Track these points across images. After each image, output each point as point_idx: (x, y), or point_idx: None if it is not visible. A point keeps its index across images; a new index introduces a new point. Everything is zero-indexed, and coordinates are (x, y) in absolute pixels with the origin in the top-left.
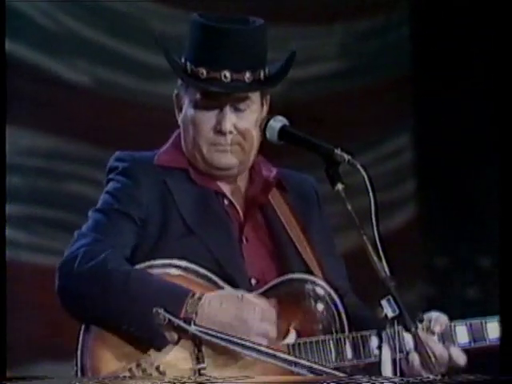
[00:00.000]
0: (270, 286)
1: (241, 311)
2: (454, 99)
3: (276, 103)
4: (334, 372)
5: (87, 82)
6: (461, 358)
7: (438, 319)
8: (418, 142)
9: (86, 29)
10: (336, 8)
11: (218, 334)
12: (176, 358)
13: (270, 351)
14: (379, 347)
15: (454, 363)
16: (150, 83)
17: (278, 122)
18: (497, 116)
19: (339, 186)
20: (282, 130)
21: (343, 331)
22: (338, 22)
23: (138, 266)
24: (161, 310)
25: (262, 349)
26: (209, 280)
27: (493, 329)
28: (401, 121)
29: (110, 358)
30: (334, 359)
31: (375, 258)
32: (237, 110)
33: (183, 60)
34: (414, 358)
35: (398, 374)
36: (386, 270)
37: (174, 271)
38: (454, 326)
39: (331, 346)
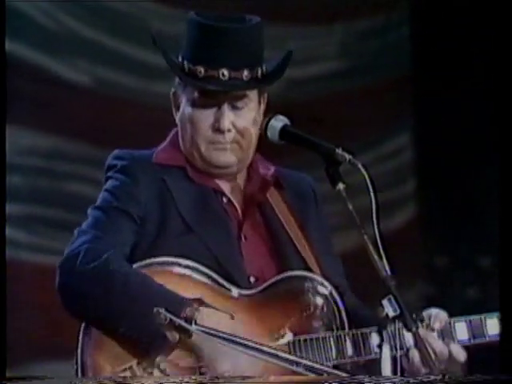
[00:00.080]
0: (269, 283)
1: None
2: (454, 99)
3: (276, 103)
4: (335, 372)
5: (87, 82)
6: (461, 355)
7: (437, 316)
8: (418, 142)
9: (86, 29)
10: (336, 8)
11: (220, 334)
12: (177, 357)
13: (272, 351)
14: (379, 345)
15: (454, 360)
16: (151, 83)
17: (279, 122)
18: (497, 116)
19: (340, 186)
20: (283, 129)
21: (343, 328)
22: (337, 22)
23: (138, 264)
24: (162, 310)
25: (264, 348)
26: (210, 278)
27: (492, 325)
28: (401, 120)
29: (110, 357)
30: (334, 356)
31: (376, 258)
32: (235, 108)
33: (180, 59)
34: (414, 354)
35: (399, 372)
36: (387, 269)
37: (176, 269)
38: (454, 322)
39: (331, 343)
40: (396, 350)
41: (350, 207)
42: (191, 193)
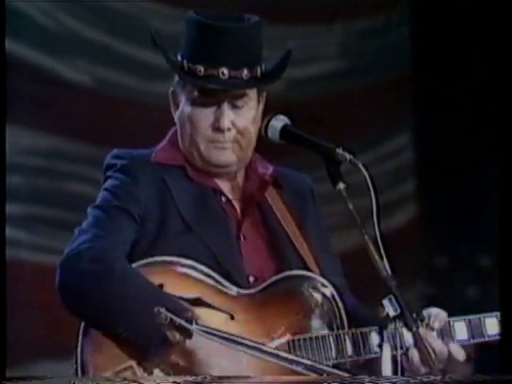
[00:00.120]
0: (268, 283)
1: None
2: (454, 99)
3: (276, 103)
4: (336, 371)
5: (88, 82)
6: (460, 354)
7: (437, 315)
8: (418, 142)
9: (86, 29)
10: (336, 8)
11: (220, 334)
12: (177, 356)
13: (272, 350)
14: (380, 344)
15: (454, 359)
16: (151, 83)
17: (279, 122)
18: (497, 116)
19: (341, 186)
20: (284, 129)
21: (343, 327)
22: (338, 22)
23: (138, 262)
24: (162, 310)
25: (264, 348)
26: (210, 278)
27: (491, 325)
28: (401, 120)
29: (110, 356)
30: (334, 356)
31: (376, 257)
32: (234, 106)
33: (180, 58)
34: (414, 354)
35: (399, 371)
36: (388, 269)
37: (176, 269)
38: (453, 322)
39: (331, 342)
40: (396, 349)
41: (351, 207)
42: (191, 192)
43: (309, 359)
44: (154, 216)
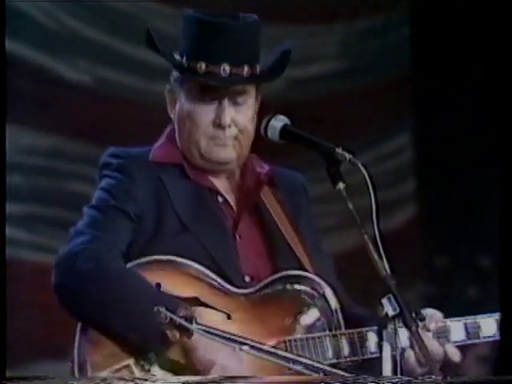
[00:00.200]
0: (265, 283)
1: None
2: (454, 99)
3: (276, 103)
4: (335, 371)
5: (88, 82)
6: (455, 355)
7: (433, 316)
8: (418, 142)
9: (87, 29)
10: (336, 7)
11: (220, 333)
12: (174, 355)
13: (272, 350)
14: (378, 345)
15: (449, 360)
16: (151, 83)
17: (279, 122)
18: (497, 116)
19: (340, 185)
20: (284, 129)
21: (339, 328)
22: (338, 22)
23: (135, 261)
24: (162, 309)
25: (264, 347)
26: (207, 277)
27: (487, 327)
28: (401, 120)
29: (107, 355)
30: (330, 356)
31: (376, 257)
32: (235, 103)
33: (179, 56)
34: (410, 355)
35: (399, 371)
36: (387, 268)
37: (173, 268)
38: (449, 323)
39: (328, 342)
40: (394, 349)
41: (351, 207)
42: (187, 191)
43: (308, 358)
44: (151, 215)
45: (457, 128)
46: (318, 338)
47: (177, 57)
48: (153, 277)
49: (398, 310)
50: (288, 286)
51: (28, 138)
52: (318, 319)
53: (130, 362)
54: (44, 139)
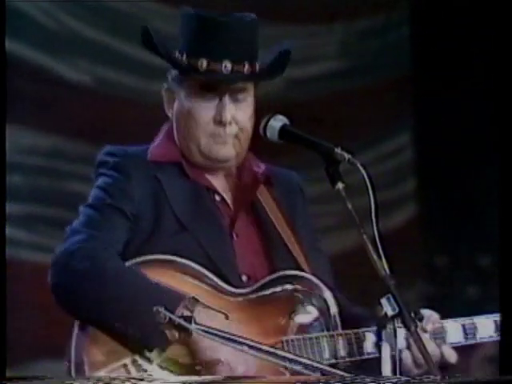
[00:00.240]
0: (262, 282)
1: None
2: (454, 99)
3: (275, 103)
4: (335, 371)
5: (88, 82)
6: (452, 357)
7: (429, 317)
8: (417, 142)
9: (87, 29)
10: (336, 7)
11: (219, 333)
12: (172, 355)
13: (271, 349)
14: (377, 345)
15: (446, 361)
16: (151, 83)
17: (278, 122)
18: (497, 116)
19: (339, 185)
20: (283, 129)
21: (336, 328)
22: (338, 22)
23: (131, 261)
24: (161, 309)
25: (263, 347)
26: (204, 277)
27: (484, 327)
28: (401, 120)
29: (107, 353)
30: (328, 356)
31: (375, 257)
32: (235, 101)
33: (178, 53)
34: (407, 356)
35: (398, 371)
36: (386, 268)
37: (170, 268)
38: (446, 324)
39: (325, 343)
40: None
41: (350, 206)
42: (185, 190)
43: (307, 358)
44: (148, 214)
45: (457, 128)
46: (316, 338)
47: (176, 55)
48: (150, 276)
49: (397, 309)
50: (285, 287)
51: (28, 137)
52: (316, 319)
53: (127, 361)
54: (44, 139)
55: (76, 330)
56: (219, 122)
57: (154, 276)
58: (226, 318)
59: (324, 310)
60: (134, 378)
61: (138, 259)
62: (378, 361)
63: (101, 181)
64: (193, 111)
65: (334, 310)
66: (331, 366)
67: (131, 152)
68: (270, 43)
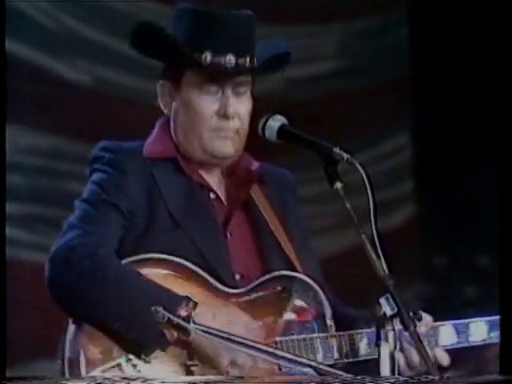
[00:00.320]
0: (257, 283)
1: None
2: (453, 99)
3: (274, 103)
4: (334, 371)
5: (88, 82)
6: (445, 359)
7: (423, 320)
8: (416, 142)
9: (86, 29)
10: (335, 7)
11: (218, 333)
12: (167, 354)
13: (270, 349)
14: (370, 347)
15: (438, 364)
16: (151, 82)
17: (276, 122)
18: (496, 116)
19: (338, 185)
20: (281, 129)
21: (330, 329)
22: (336, 22)
23: (126, 260)
24: (160, 309)
25: (262, 347)
26: (198, 276)
27: (477, 330)
28: (399, 120)
29: (102, 353)
30: (321, 358)
31: (374, 257)
32: (237, 94)
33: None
34: (400, 357)
35: (396, 372)
36: (385, 268)
37: (164, 267)
38: (439, 326)
39: (318, 344)
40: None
41: (348, 206)
42: (180, 187)
43: (307, 358)
44: (142, 211)
45: (455, 128)
46: (310, 339)
47: (178, 49)
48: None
49: (395, 309)
50: (279, 287)
51: (28, 137)
52: (310, 320)
53: (123, 360)
54: (44, 139)
55: (70, 328)
56: (223, 115)
57: (147, 275)
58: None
59: (318, 311)
60: (127, 378)
61: (132, 258)
62: (375, 361)
63: (96, 176)
64: (195, 105)
65: (328, 310)
66: (331, 366)
67: (126, 147)
68: None
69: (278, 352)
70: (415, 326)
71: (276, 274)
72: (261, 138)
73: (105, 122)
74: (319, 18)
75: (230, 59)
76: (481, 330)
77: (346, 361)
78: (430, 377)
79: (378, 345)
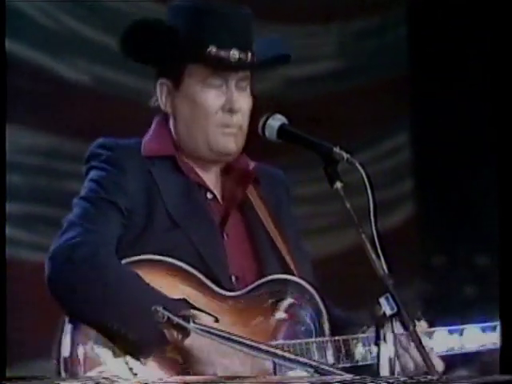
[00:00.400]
0: (253, 286)
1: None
2: (451, 99)
3: (274, 102)
4: (334, 370)
5: (87, 81)
6: (439, 365)
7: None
8: (415, 141)
9: (86, 28)
10: (333, 8)
11: (217, 332)
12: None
13: (271, 349)
14: (375, 343)
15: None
16: (151, 82)
17: (276, 121)
18: (494, 116)
19: (338, 185)
20: (281, 128)
21: (325, 333)
22: (335, 22)
23: (126, 260)
24: (160, 308)
25: (262, 347)
26: (195, 278)
27: (472, 336)
28: (398, 120)
29: (100, 353)
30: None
31: (373, 256)
32: (240, 89)
33: (181, 43)
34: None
35: (396, 372)
36: (385, 268)
37: (162, 268)
38: (433, 332)
39: (314, 348)
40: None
41: (348, 206)
42: (178, 185)
43: (307, 358)
44: (141, 209)
45: (454, 128)
46: (306, 343)
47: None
48: (142, 277)
49: (395, 309)
50: (275, 290)
51: (28, 137)
52: (306, 324)
53: (120, 360)
54: (44, 139)
55: (66, 327)
56: (228, 110)
57: (146, 276)
58: (216, 321)
59: (314, 315)
60: (124, 379)
61: (132, 259)
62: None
63: (94, 174)
64: (200, 99)
65: (323, 313)
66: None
67: (124, 145)
68: None
69: (279, 352)
70: (415, 326)
71: (271, 277)
72: (260, 138)
73: (104, 121)
74: (318, 18)
75: (234, 53)
76: (477, 337)
77: (341, 366)
78: (429, 377)
79: (377, 344)
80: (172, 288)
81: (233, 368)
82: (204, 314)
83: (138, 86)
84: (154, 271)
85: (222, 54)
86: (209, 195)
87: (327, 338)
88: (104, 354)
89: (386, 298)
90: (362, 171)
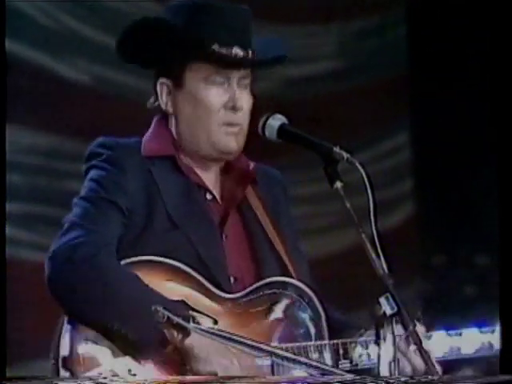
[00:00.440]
0: (252, 288)
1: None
2: (451, 99)
3: (273, 102)
4: (334, 370)
5: (87, 81)
6: (437, 370)
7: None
8: (415, 141)
9: (86, 28)
10: (333, 8)
11: (218, 332)
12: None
13: (271, 349)
14: (376, 342)
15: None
16: (151, 82)
17: (276, 121)
18: (494, 116)
19: (338, 184)
20: (281, 128)
21: (324, 335)
22: (334, 22)
23: (125, 261)
24: (160, 308)
25: (262, 346)
26: (194, 280)
27: (471, 341)
28: (398, 120)
29: (97, 352)
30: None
31: (373, 256)
32: (241, 87)
33: (183, 41)
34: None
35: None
36: (385, 267)
37: (161, 269)
38: (431, 336)
39: (312, 351)
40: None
41: (348, 206)
42: (177, 185)
43: (308, 358)
44: (141, 209)
45: (454, 127)
46: (303, 347)
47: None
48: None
49: (395, 309)
50: (274, 293)
51: (28, 137)
52: (304, 326)
53: (119, 360)
54: (43, 138)
55: (64, 327)
56: (231, 107)
57: (145, 277)
58: (215, 322)
59: (312, 317)
60: (123, 379)
61: (131, 259)
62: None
63: (94, 173)
64: (202, 97)
65: (322, 316)
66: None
67: (124, 144)
68: None
69: (279, 352)
70: (415, 326)
71: (270, 279)
72: (260, 138)
73: (104, 121)
74: (318, 18)
75: (237, 51)
76: (476, 342)
77: (340, 368)
78: (429, 377)
79: (377, 344)
80: (171, 290)
81: (232, 368)
82: (203, 316)
83: (138, 86)
84: (154, 272)
85: (225, 51)
86: (208, 196)
87: (326, 342)
88: (103, 354)
89: (386, 298)
90: (362, 171)
